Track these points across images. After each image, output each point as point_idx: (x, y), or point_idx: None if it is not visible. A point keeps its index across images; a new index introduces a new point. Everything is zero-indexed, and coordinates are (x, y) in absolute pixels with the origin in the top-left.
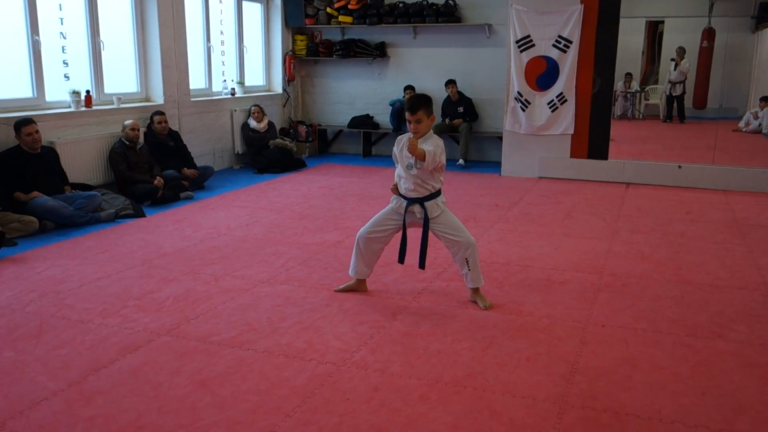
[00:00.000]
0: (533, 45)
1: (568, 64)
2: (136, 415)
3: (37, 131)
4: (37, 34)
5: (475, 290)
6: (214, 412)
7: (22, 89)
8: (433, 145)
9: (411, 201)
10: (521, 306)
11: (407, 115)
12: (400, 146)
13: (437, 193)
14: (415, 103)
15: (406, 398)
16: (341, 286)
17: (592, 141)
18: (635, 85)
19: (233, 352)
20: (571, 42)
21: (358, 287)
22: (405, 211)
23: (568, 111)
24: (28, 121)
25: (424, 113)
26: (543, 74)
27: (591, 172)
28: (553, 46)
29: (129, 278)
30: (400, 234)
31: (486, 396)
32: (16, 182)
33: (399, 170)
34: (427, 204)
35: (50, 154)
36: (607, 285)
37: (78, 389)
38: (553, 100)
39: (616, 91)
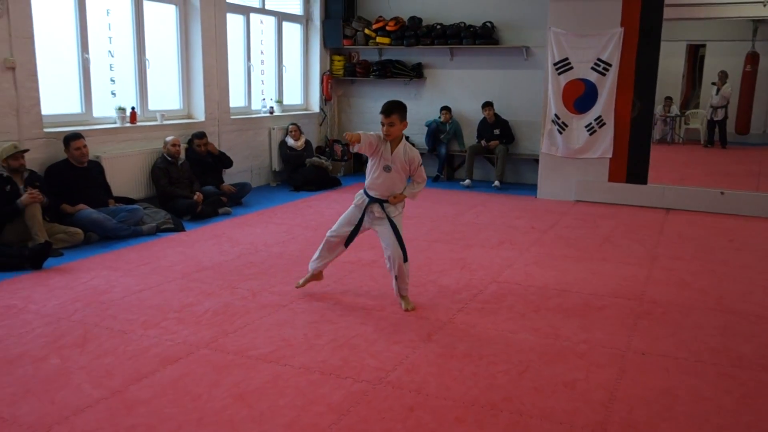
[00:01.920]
0: (571, 68)
1: (606, 87)
2: (176, 425)
3: (85, 146)
4: (87, 52)
5: (402, 295)
6: (251, 426)
7: (72, 105)
8: (416, 161)
9: (372, 200)
10: (558, 330)
11: (381, 117)
12: (383, 146)
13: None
14: (390, 107)
15: (441, 420)
16: (301, 281)
17: (631, 165)
18: (675, 109)
19: (270, 366)
20: (610, 65)
21: (317, 277)
22: (365, 210)
23: (607, 134)
24: (76, 136)
25: (398, 117)
26: (581, 97)
27: (630, 197)
28: (592, 68)
29: (169, 291)
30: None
31: (523, 421)
32: (63, 194)
33: (372, 165)
34: (387, 206)
35: (96, 168)
36: (647, 312)
37: (120, 398)
38: (591, 123)
39: (655, 115)
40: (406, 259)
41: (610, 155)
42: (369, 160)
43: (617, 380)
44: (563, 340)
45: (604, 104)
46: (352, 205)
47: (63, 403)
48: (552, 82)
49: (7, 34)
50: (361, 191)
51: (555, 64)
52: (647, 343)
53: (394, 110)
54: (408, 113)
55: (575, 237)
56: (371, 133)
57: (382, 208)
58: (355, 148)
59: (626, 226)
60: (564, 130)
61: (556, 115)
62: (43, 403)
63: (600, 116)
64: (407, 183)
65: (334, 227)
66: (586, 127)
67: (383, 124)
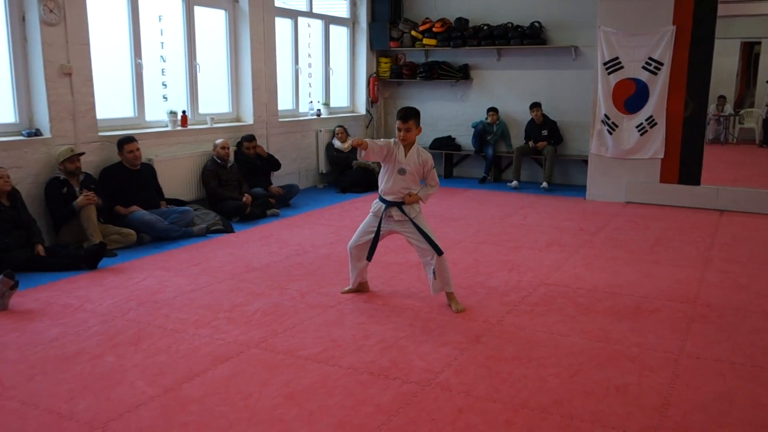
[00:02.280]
0: (622, 67)
1: (658, 86)
2: (227, 423)
3: (138, 149)
4: (140, 58)
5: (449, 294)
6: (301, 425)
7: (125, 109)
8: (429, 163)
9: (390, 204)
10: (609, 333)
11: (398, 123)
12: (396, 149)
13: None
14: (407, 113)
15: (491, 422)
16: (346, 289)
17: (684, 165)
18: (729, 109)
19: (319, 367)
20: (662, 64)
21: (360, 289)
22: (383, 215)
23: (658, 134)
24: (130, 139)
25: (414, 123)
26: (632, 97)
27: (682, 198)
28: (643, 68)
29: (219, 291)
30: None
31: (574, 425)
32: (117, 196)
33: (385, 171)
34: (405, 207)
35: (148, 171)
36: (701, 315)
37: (173, 396)
38: (642, 123)
39: (708, 114)
40: (440, 252)
41: (661, 156)
42: (382, 167)
43: (671, 385)
44: (614, 343)
45: (656, 104)
46: (370, 214)
47: (118, 400)
48: (602, 81)
49: (64, 41)
50: (376, 200)
51: (605, 64)
52: (701, 347)
53: (411, 116)
54: (454, 114)
55: (626, 239)
56: (379, 140)
57: (401, 210)
58: (362, 155)
59: (678, 228)
60: (614, 130)
61: (605, 115)
62: (100, 399)
63: (651, 116)
64: (421, 185)
65: (353, 238)
66: (636, 127)
67: (400, 129)
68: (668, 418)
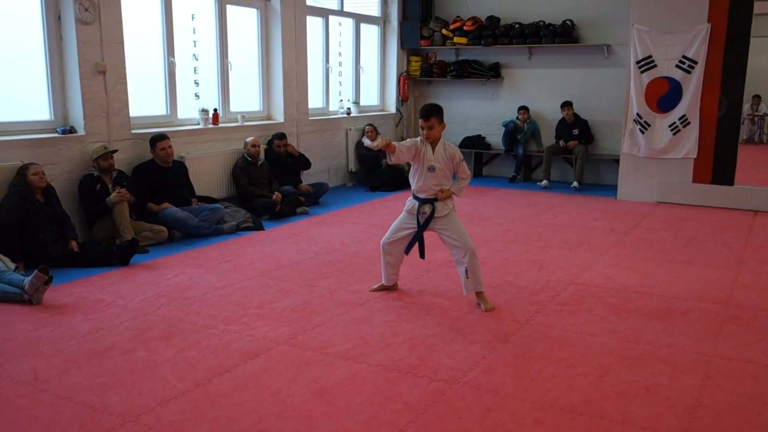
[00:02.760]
0: (655, 65)
1: (692, 85)
2: (257, 418)
3: (170, 146)
4: (173, 56)
5: (478, 294)
6: (330, 422)
7: (158, 107)
8: (457, 156)
9: (423, 201)
10: (640, 334)
11: (420, 121)
12: (423, 147)
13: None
14: (428, 110)
15: (519, 421)
16: (375, 286)
17: (717, 165)
18: (764, 108)
19: (348, 364)
20: (696, 62)
21: (389, 288)
22: (417, 212)
23: (691, 134)
24: (162, 137)
25: (437, 120)
26: (665, 95)
27: (715, 198)
28: (677, 66)
29: (249, 288)
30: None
31: (603, 425)
32: (149, 193)
33: (415, 170)
34: (437, 204)
35: (180, 168)
36: (734, 317)
37: (203, 390)
38: (675, 123)
39: (743, 114)
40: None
41: (694, 155)
42: (411, 167)
43: (702, 386)
44: (645, 344)
45: (689, 103)
46: (404, 212)
47: (150, 394)
48: (634, 80)
49: (98, 40)
50: (410, 197)
51: (638, 62)
52: (734, 348)
53: (432, 114)
54: (485, 113)
55: (657, 239)
56: (404, 141)
57: (434, 207)
58: (391, 159)
59: (711, 229)
60: (646, 129)
61: (638, 114)
62: (131, 393)
63: (684, 115)
64: (453, 180)
65: (386, 234)
66: (669, 126)
67: (422, 128)
68: (699, 420)
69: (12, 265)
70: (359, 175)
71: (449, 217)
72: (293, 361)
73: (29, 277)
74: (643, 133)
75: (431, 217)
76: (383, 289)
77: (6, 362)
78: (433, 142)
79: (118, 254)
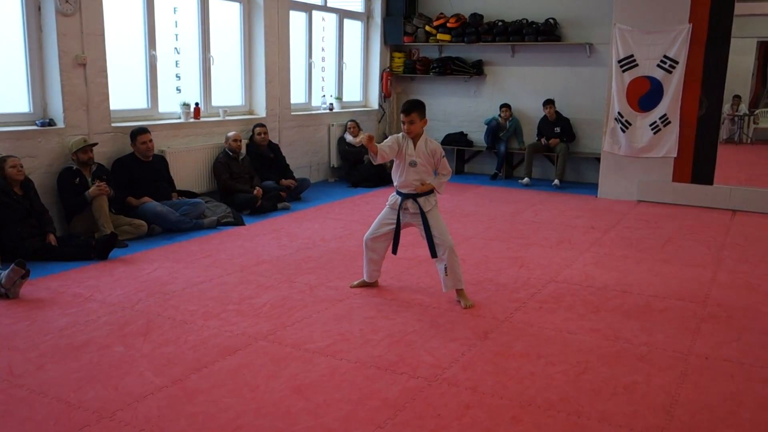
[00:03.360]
0: (636, 65)
1: (673, 84)
2: (234, 415)
3: (150, 140)
4: (154, 49)
5: (458, 291)
6: (308, 418)
7: (139, 100)
8: (438, 152)
9: (405, 196)
10: (618, 332)
11: (402, 116)
12: (404, 143)
13: (431, 190)
14: (410, 106)
15: (497, 418)
16: (356, 282)
17: (697, 165)
18: (744, 108)
19: (327, 360)
20: (677, 62)
21: (371, 285)
22: (399, 207)
23: (672, 133)
24: (143, 131)
25: (417, 115)
26: (646, 95)
27: (694, 198)
28: (658, 66)
29: (229, 283)
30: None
31: (581, 423)
32: (128, 187)
33: (397, 165)
34: (420, 199)
35: (160, 162)
36: (711, 315)
37: (181, 386)
38: (655, 122)
39: (723, 114)
40: (433, 255)
41: (674, 155)
42: (393, 163)
43: (679, 384)
44: (623, 341)
45: (670, 102)
46: (386, 206)
47: (126, 389)
48: (616, 79)
49: (78, 32)
50: (393, 193)
51: (619, 62)
52: (711, 347)
53: (413, 109)
54: (467, 110)
55: (637, 238)
56: (386, 141)
57: (417, 203)
58: (376, 160)
59: (690, 228)
60: (627, 128)
61: (619, 113)
62: (108, 389)
63: (665, 114)
64: (434, 176)
65: (369, 230)
66: (650, 125)
67: (404, 123)
68: (676, 418)
69: None
70: (341, 171)
71: (431, 213)
72: (272, 357)
73: (6, 271)
74: (624, 131)
75: (423, 213)
76: (364, 285)
77: None
78: (415, 138)
79: (96, 248)
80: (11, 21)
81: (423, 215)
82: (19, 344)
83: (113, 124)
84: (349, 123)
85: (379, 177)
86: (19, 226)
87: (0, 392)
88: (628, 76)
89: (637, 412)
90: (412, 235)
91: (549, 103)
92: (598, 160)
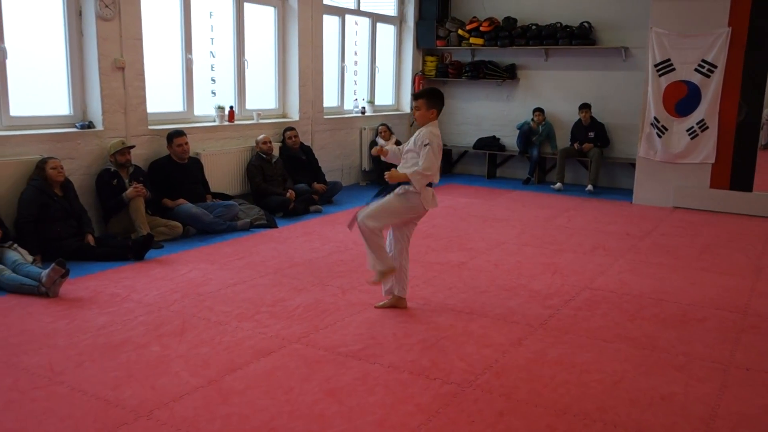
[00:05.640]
0: (673, 69)
1: (711, 89)
2: (268, 417)
3: (186, 143)
4: (190, 53)
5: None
6: (341, 422)
7: (175, 103)
8: (423, 141)
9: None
10: (655, 341)
11: (412, 100)
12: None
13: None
14: (420, 92)
15: (532, 426)
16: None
17: (735, 171)
18: None
19: (360, 364)
20: (715, 66)
21: (398, 303)
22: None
23: (710, 139)
24: (179, 133)
25: (425, 103)
26: (683, 100)
27: (733, 204)
28: (696, 70)
29: (262, 285)
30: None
31: None
32: (164, 189)
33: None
34: (401, 185)
35: (196, 165)
36: (752, 326)
37: (216, 387)
38: (693, 127)
39: (763, 119)
40: (349, 227)
41: (712, 160)
42: None
43: (719, 395)
44: (660, 351)
45: (708, 107)
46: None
47: (163, 389)
48: (652, 83)
49: (118, 36)
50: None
51: (656, 66)
52: (752, 358)
53: (422, 96)
54: (499, 114)
55: (673, 245)
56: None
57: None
58: (389, 160)
59: (728, 235)
60: (663, 133)
61: (655, 118)
62: (145, 388)
63: (703, 120)
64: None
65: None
66: (687, 130)
67: (412, 108)
68: (716, 430)
69: (30, 258)
70: (372, 175)
71: (395, 195)
72: (305, 360)
73: (46, 270)
74: (660, 137)
75: (390, 189)
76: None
77: (23, 354)
78: (422, 127)
79: (133, 249)
80: (53, 26)
81: (389, 190)
82: (59, 342)
83: (150, 127)
84: (380, 127)
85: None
86: (59, 226)
87: (42, 389)
88: (665, 81)
89: (675, 423)
90: (444, 239)
91: (585, 107)
92: (633, 165)
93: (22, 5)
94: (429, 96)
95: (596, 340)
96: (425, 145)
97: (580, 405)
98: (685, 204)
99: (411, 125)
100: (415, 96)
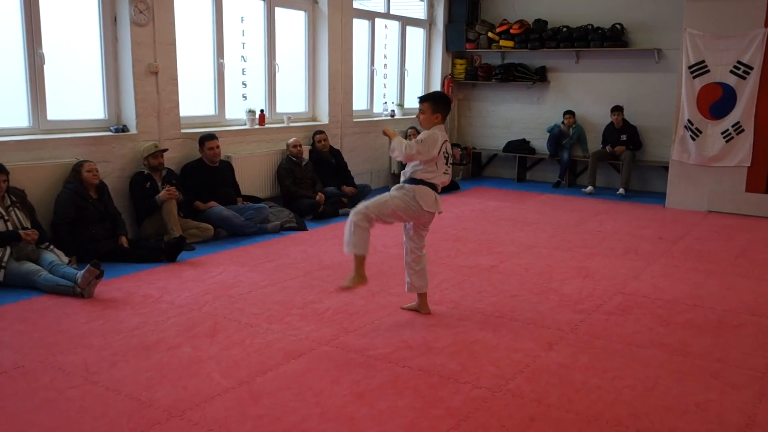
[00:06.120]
0: (708, 71)
1: (747, 91)
2: (299, 419)
3: (218, 146)
4: (222, 58)
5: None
6: (371, 425)
7: (207, 107)
8: (420, 135)
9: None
10: (689, 347)
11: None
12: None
13: (412, 181)
14: (426, 95)
15: None
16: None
17: None
18: None
19: (390, 367)
20: (751, 68)
21: (420, 307)
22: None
23: (745, 141)
24: (211, 137)
25: (430, 107)
26: (717, 102)
27: None
28: (731, 72)
29: (292, 288)
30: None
31: None
32: (196, 192)
33: None
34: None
35: (227, 168)
36: None
37: (247, 388)
38: (728, 130)
39: None
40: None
41: (748, 164)
42: None
43: (756, 403)
44: (694, 357)
45: (744, 110)
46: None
47: (195, 390)
48: (686, 86)
49: (151, 41)
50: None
51: (690, 67)
52: None
53: (426, 100)
54: (529, 117)
55: (707, 249)
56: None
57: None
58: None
59: (765, 240)
60: (697, 136)
61: (689, 120)
62: (177, 388)
63: (738, 122)
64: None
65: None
66: (722, 133)
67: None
68: None
69: (65, 259)
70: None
71: (394, 190)
72: (335, 363)
73: (81, 271)
74: (694, 139)
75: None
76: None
77: (59, 353)
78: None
79: (166, 251)
80: (89, 32)
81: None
82: (94, 342)
83: (182, 130)
84: (409, 130)
85: None
86: (93, 228)
87: (77, 388)
88: (699, 83)
89: (711, 431)
90: (473, 242)
91: (617, 110)
92: (665, 168)
93: (59, 12)
94: (434, 100)
95: (629, 345)
96: (419, 141)
97: (612, 411)
98: (719, 208)
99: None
100: (421, 99)
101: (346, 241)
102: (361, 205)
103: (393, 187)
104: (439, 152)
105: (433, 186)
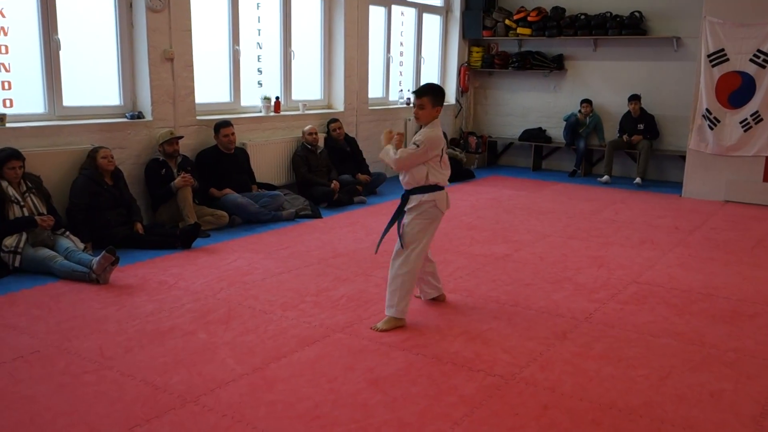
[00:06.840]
0: (727, 59)
1: (766, 80)
2: (312, 404)
3: (233, 133)
4: (238, 44)
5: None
6: (384, 411)
7: (222, 94)
8: (418, 138)
9: (405, 192)
10: (704, 337)
11: (413, 98)
12: None
13: (424, 189)
14: (423, 89)
15: (576, 420)
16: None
17: None
18: None
19: (403, 354)
20: None
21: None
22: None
23: (764, 131)
24: (226, 124)
25: (429, 101)
26: (736, 91)
27: None
28: (751, 60)
29: (306, 275)
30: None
31: (664, 429)
32: (211, 179)
33: None
34: (412, 196)
35: (242, 155)
36: None
37: (261, 374)
38: (746, 119)
39: None
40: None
41: (766, 153)
42: None
43: None
44: (709, 347)
45: (763, 99)
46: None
47: (209, 375)
48: (704, 74)
49: (167, 27)
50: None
51: (709, 56)
52: None
53: (427, 93)
54: (546, 105)
55: (724, 239)
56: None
57: (406, 201)
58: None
59: None
60: (715, 125)
61: (707, 109)
62: (192, 374)
63: (757, 111)
64: (427, 169)
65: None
66: (740, 122)
67: (414, 105)
68: (766, 429)
69: (81, 245)
70: None
71: (408, 215)
72: (349, 350)
73: (97, 258)
74: (712, 129)
75: (401, 209)
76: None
77: (74, 338)
78: (425, 127)
79: (180, 237)
80: (105, 18)
81: (400, 211)
82: (109, 328)
83: (198, 117)
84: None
85: (456, 172)
86: (109, 215)
87: (93, 373)
88: (718, 71)
89: (724, 421)
90: (488, 231)
91: (635, 98)
92: (683, 158)
93: None
94: (434, 93)
95: (643, 334)
96: (415, 143)
97: (625, 400)
98: (736, 198)
99: (456, 116)
100: (418, 93)
101: (390, 303)
102: (402, 259)
103: (406, 211)
104: (442, 150)
105: (442, 186)
